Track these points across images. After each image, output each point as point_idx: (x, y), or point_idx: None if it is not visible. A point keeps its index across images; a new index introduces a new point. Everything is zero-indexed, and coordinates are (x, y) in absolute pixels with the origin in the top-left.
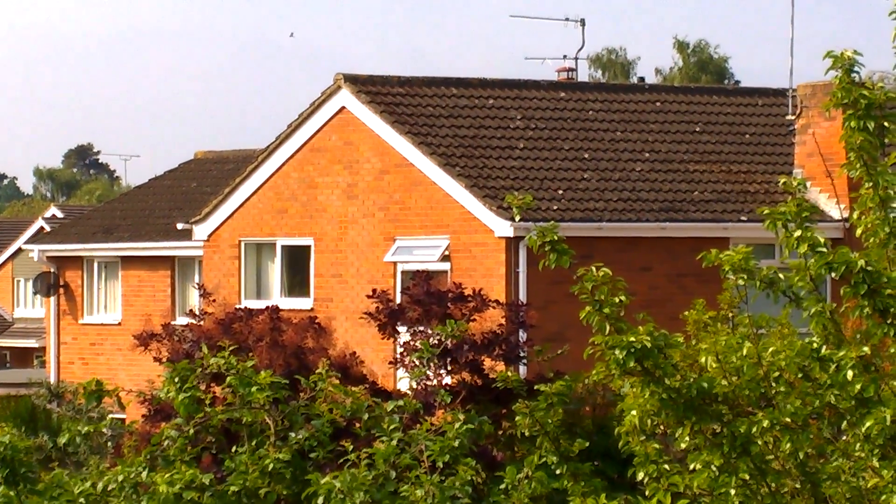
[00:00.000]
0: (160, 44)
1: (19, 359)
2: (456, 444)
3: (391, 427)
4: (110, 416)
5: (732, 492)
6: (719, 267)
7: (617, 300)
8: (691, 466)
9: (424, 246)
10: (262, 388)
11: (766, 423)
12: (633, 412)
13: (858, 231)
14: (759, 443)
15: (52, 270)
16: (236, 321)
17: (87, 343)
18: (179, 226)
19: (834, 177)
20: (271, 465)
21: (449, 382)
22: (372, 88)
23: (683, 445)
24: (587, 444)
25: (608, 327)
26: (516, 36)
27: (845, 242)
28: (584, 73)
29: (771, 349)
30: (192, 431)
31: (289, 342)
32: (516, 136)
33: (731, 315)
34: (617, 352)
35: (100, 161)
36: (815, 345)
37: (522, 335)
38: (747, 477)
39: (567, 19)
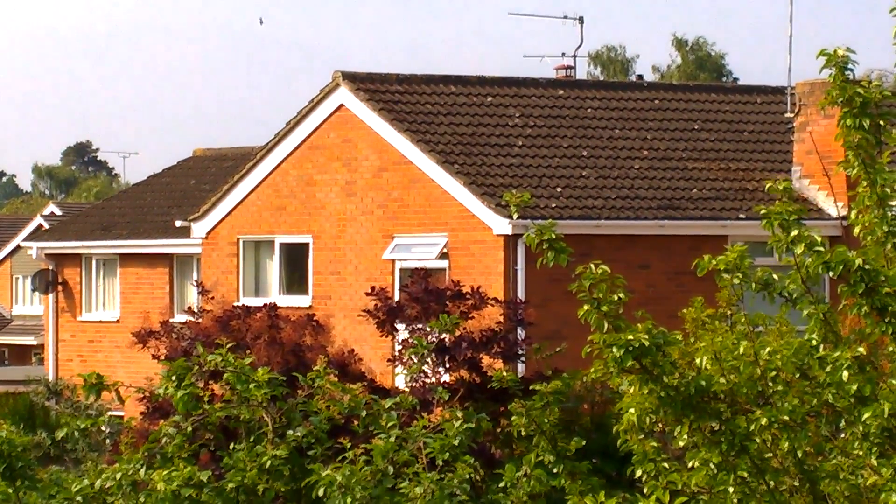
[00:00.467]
0: (159, 41)
1: (18, 356)
2: (456, 442)
3: (389, 424)
4: (109, 413)
5: (731, 489)
6: (715, 269)
7: (615, 298)
8: (690, 464)
9: (423, 243)
10: (260, 385)
11: (764, 421)
12: (632, 410)
13: (856, 229)
14: (758, 441)
15: (50, 268)
16: (234, 319)
17: (86, 340)
18: (178, 223)
19: (831, 175)
20: (269, 462)
21: (447, 380)
22: (370, 86)
23: (682, 443)
24: (584, 442)
25: (606, 325)
26: (515, 33)
27: (844, 240)
28: (582, 71)
29: (768, 349)
30: (190, 428)
31: (287, 340)
32: (515, 134)
33: (729, 313)
34: (615, 350)
35: (98, 158)
36: (813, 342)
37: (521, 333)
38: (746, 475)
39: (565, 17)
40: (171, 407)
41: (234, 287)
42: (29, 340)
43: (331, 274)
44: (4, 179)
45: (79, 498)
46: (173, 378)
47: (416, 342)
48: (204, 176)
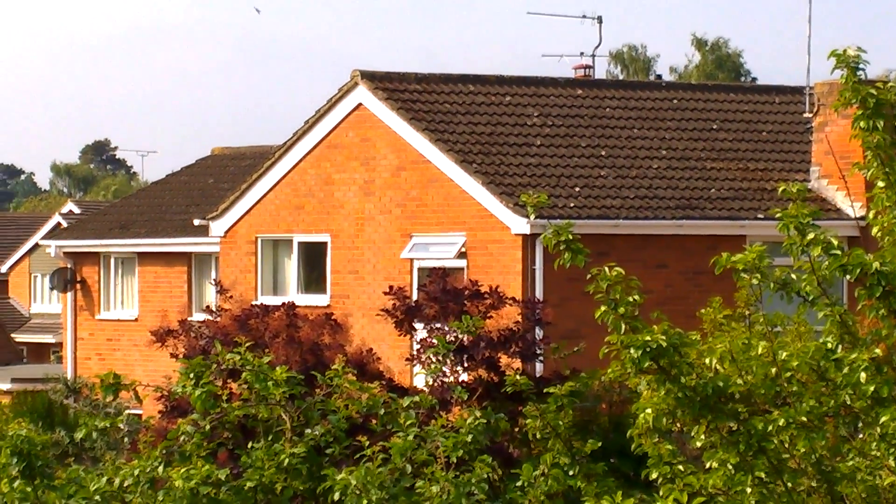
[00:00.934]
0: (177, 39)
1: (36, 354)
2: (469, 439)
3: (407, 423)
4: (127, 411)
5: (748, 490)
6: (732, 268)
7: (631, 299)
8: (707, 465)
9: (441, 243)
10: (279, 383)
11: (781, 422)
12: (648, 410)
13: (874, 230)
14: (775, 441)
15: (68, 266)
16: (253, 317)
17: (104, 339)
18: (196, 222)
19: (848, 176)
20: (287, 461)
21: (465, 379)
22: (389, 85)
23: (699, 444)
24: (599, 444)
25: (623, 326)
26: (533, 33)
27: (861, 240)
28: (601, 71)
29: (785, 352)
30: (208, 427)
31: (305, 338)
32: (533, 134)
33: (747, 313)
34: (632, 351)
35: (117, 157)
36: (829, 345)
37: (539, 332)
38: (763, 475)
39: (584, 16)
40: (189, 405)
41: (252, 286)
42: (47, 339)
43: (349, 273)
44: (23, 177)
45: (97, 497)
46: (191, 376)
47: (436, 342)
48: (222, 175)
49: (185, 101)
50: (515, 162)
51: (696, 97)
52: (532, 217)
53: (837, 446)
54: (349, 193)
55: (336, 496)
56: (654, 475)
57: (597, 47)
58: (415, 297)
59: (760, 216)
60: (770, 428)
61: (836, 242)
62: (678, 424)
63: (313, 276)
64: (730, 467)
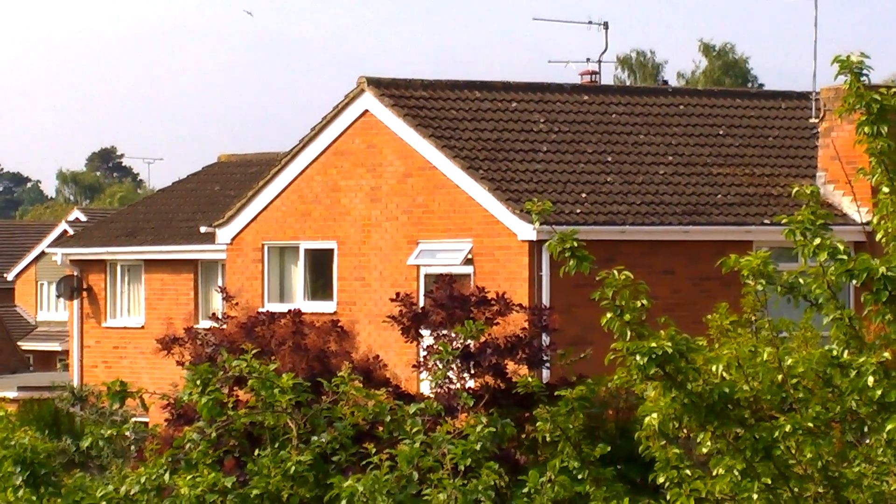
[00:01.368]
0: (183, 46)
1: (42, 362)
2: (478, 447)
3: (414, 430)
4: (133, 419)
5: (755, 496)
6: (740, 271)
7: (638, 305)
8: (714, 471)
9: (447, 249)
10: (285, 391)
11: (788, 428)
12: (654, 415)
13: (878, 236)
14: (782, 447)
15: (75, 274)
16: (259, 325)
17: (111, 346)
18: (203, 229)
19: (853, 181)
20: (293, 468)
21: (472, 386)
22: (395, 92)
23: (705, 450)
24: (609, 448)
25: (629, 333)
26: (539, 39)
27: (868, 245)
28: (607, 77)
29: (790, 359)
30: (214, 434)
31: (311, 346)
32: (539, 140)
33: (753, 319)
34: (638, 357)
35: (123, 164)
36: (834, 351)
37: (545, 339)
38: (770, 481)
39: (590, 22)
40: (195, 413)
41: (258, 293)
42: (54, 346)
43: (355, 280)
44: (29, 185)
45: (103, 503)
46: (198, 384)
47: (441, 348)
48: (229, 182)
49: (192, 109)
50: (522, 168)
51: (703, 103)
52: (537, 224)
53: (844, 452)
54: (356, 200)
55: (343, 503)
56: (661, 479)
57: (603, 53)
58: (421, 304)
59: (767, 221)
60: (776, 434)
61: (842, 247)
62: (684, 430)
63: (319, 283)
64: (736, 473)
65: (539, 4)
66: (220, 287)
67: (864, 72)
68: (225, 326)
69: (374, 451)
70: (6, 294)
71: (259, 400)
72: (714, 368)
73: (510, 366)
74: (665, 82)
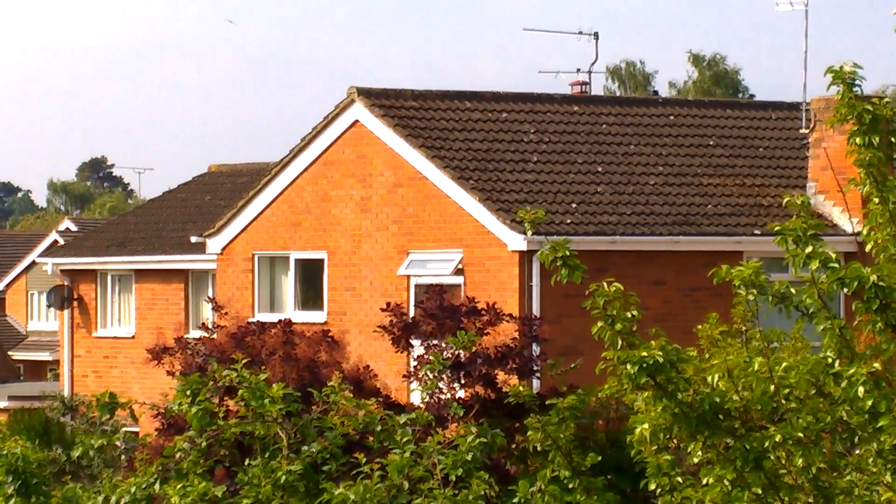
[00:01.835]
0: (174, 57)
1: (33, 372)
2: (469, 457)
3: (404, 439)
4: (124, 429)
5: None
6: (731, 281)
7: (629, 315)
8: (704, 480)
9: (438, 259)
10: (275, 401)
11: (778, 438)
12: (645, 425)
13: (868, 246)
14: (772, 457)
15: (65, 284)
16: (249, 335)
17: (101, 356)
18: (193, 239)
19: (845, 191)
20: (284, 478)
21: (462, 396)
22: (385, 102)
23: (696, 460)
24: (599, 458)
25: (620, 342)
26: (530, 49)
27: (859, 256)
28: (598, 87)
29: (784, 364)
30: (204, 444)
31: (302, 356)
32: (530, 150)
33: (744, 329)
34: (629, 367)
35: (114, 174)
36: (828, 360)
37: (536, 349)
38: (760, 491)
39: (580, 33)
40: (185, 423)
41: (249, 303)
42: (44, 356)
43: (346, 290)
44: (20, 195)
45: None
46: (188, 394)
47: (432, 358)
48: (219, 192)
49: (182, 119)
50: (512, 178)
51: (693, 113)
52: (529, 233)
53: (834, 462)
54: (346, 210)
55: None
56: (652, 486)
57: (593, 63)
58: (412, 314)
59: (757, 232)
60: (766, 444)
61: (833, 256)
62: (675, 440)
63: (310, 293)
64: (727, 483)
65: (529, 15)
66: (210, 297)
67: (857, 82)
68: (215, 336)
69: (364, 460)
70: None
71: (249, 410)
72: (709, 378)
73: (500, 376)
74: (656, 92)
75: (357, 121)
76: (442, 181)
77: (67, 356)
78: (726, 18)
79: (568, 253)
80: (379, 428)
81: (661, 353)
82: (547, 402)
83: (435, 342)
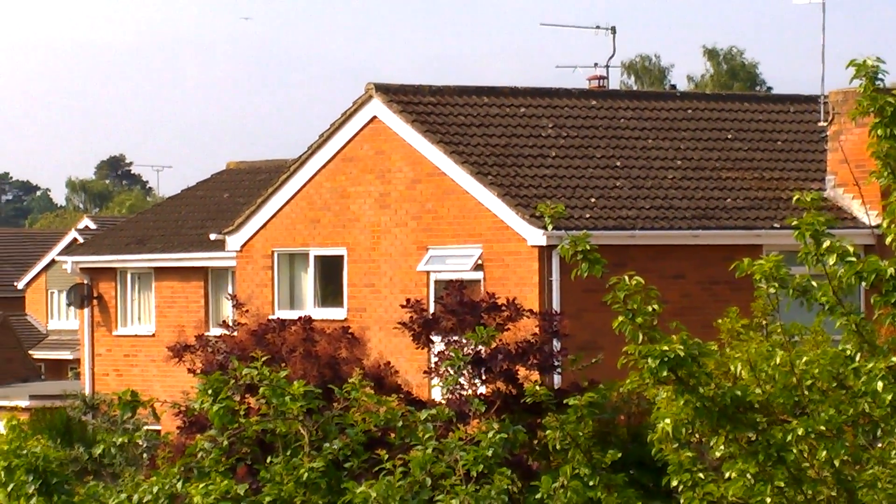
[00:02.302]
0: (191, 55)
1: (54, 371)
2: (489, 453)
3: (426, 436)
4: (145, 427)
5: (768, 500)
6: (752, 275)
7: (650, 309)
8: (727, 475)
9: (457, 255)
10: (296, 398)
11: (801, 431)
12: (667, 420)
13: (888, 239)
14: (795, 451)
15: (85, 282)
16: (269, 332)
17: (122, 354)
18: (212, 236)
19: (863, 184)
20: (306, 475)
21: (483, 392)
22: (403, 98)
23: (718, 454)
24: (619, 455)
25: (641, 336)
26: (547, 44)
27: (878, 249)
28: (616, 81)
29: (805, 358)
30: (226, 442)
31: (322, 352)
32: (548, 145)
33: (764, 323)
34: (650, 361)
35: (132, 172)
36: (848, 352)
37: (556, 344)
38: (783, 485)
39: (597, 27)
40: (207, 421)
41: (268, 300)
42: (65, 355)
43: (365, 286)
44: (39, 193)
45: None
46: (209, 392)
47: (452, 354)
48: (238, 189)
49: (200, 116)
50: (531, 174)
51: (711, 107)
52: (549, 228)
53: (857, 455)
54: (365, 206)
55: None
56: (674, 482)
57: (610, 58)
58: (432, 310)
59: (776, 225)
60: (789, 437)
61: (851, 249)
62: (697, 435)
63: (330, 290)
64: (749, 477)
65: (546, 10)
66: (230, 294)
67: (880, 76)
68: (235, 334)
69: (386, 457)
70: (17, 303)
71: (270, 407)
72: (732, 367)
73: (521, 371)
74: (673, 87)
75: (375, 117)
76: (461, 177)
77: (88, 355)
78: (744, 12)
79: (588, 247)
80: (400, 424)
81: (682, 347)
82: (564, 401)
83: (455, 338)
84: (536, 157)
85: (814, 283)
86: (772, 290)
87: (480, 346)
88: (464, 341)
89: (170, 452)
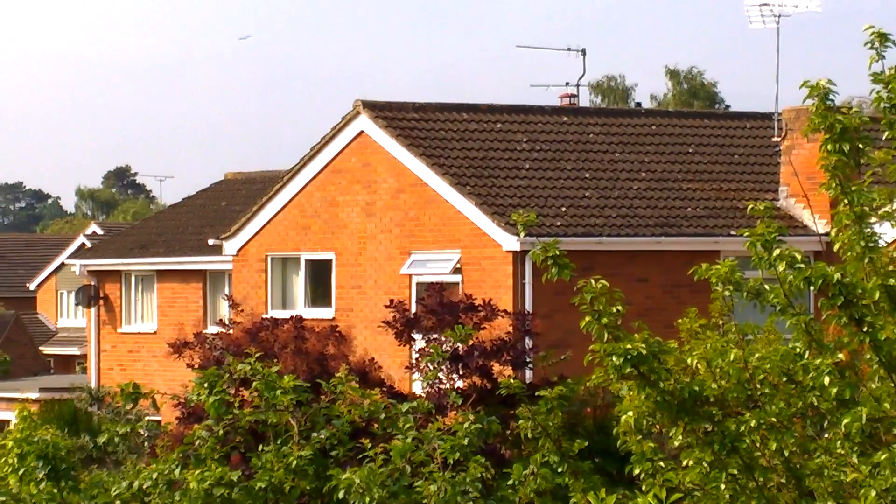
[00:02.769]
0: (192, 72)
1: (62, 365)
2: (465, 442)
3: (406, 426)
4: (147, 417)
5: (723, 486)
6: (709, 278)
7: (614, 310)
8: (684, 463)
9: (437, 259)
10: (287, 391)
11: (753, 423)
12: (630, 413)
13: (836, 246)
14: (747, 441)
15: (92, 283)
16: (263, 330)
17: (126, 350)
18: (210, 242)
19: (812, 195)
20: (295, 463)
21: (461, 386)
22: (389, 114)
23: (677, 444)
24: (586, 443)
25: (606, 335)
26: (522, 65)
27: (825, 255)
28: (585, 99)
29: (757, 355)
30: (221, 432)
31: (312, 349)
32: (522, 158)
33: (720, 322)
34: (614, 358)
35: (137, 182)
36: (797, 350)
37: (528, 342)
38: (736, 472)
39: (569, 49)
40: (204, 412)
41: (262, 300)
42: (73, 351)
43: (352, 288)
44: (50, 201)
45: (118, 501)
46: (206, 385)
47: (432, 351)
48: (235, 198)
49: (201, 130)
50: (506, 184)
51: (673, 123)
52: (522, 234)
53: (805, 445)
54: (352, 214)
55: (340, 494)
56: (636, 471)
57: (581, 77)
58: (413, 310)
59: (733, 232)
60: (742, 429)
61: (799, 257)
62: (657, 426)
63: (319, 291)
64: (705, 465)
65: (522, 33)
66: (226, 295)
67: (831, 96)
68: (231, 331)
69: (369, 446)
70: (29, 302)
71: (263, 400)
72: (689, 361)
73: (496, 367)
74: (638, 104)
75: (362, 131)
76: (441, 187)
77: (94, 351)
78: (704, 35)
79: (558, 253)
80: (383, 416)
81: (644, 345)
82: (536, 394)
83: (435, 336)
84: (511, 168)
85: (766, 287)
86: (727, 293)
87: (458, 344)
88: (443, 339)
89: (169, 441)
